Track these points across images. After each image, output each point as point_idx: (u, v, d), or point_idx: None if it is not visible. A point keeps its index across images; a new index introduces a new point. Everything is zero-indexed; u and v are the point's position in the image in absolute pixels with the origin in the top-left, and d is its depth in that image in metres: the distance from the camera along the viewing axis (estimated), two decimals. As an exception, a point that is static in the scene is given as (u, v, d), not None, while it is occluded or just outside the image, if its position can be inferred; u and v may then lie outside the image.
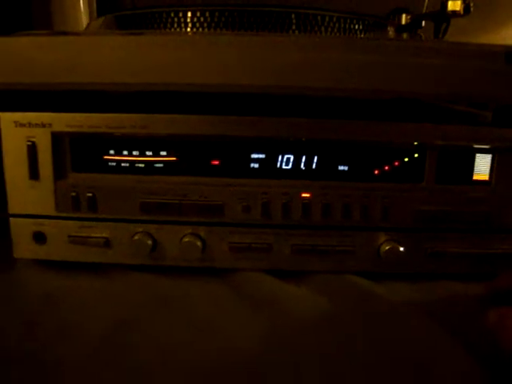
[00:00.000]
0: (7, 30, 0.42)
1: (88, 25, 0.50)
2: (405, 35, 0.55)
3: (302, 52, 0.37)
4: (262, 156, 0.40)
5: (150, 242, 0.41)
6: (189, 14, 0.44)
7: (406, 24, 0.58)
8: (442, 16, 0.47)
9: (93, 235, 0.41)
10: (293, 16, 0.43)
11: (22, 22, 0.82)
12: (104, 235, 0.41)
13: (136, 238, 0.41)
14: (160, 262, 0.42)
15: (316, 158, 0.40)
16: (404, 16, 0.58)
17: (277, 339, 0.34)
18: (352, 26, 0.47)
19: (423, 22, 0.58)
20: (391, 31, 0.51)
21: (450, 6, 0.45)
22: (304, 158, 0.40)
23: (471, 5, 0.46)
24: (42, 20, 0.81)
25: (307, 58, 0.37)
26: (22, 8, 0.84)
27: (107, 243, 0.41)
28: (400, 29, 0.57)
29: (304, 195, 0.40)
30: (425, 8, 0.63)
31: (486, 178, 0.42)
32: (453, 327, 0.35)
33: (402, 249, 0.41)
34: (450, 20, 0.54)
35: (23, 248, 0.42)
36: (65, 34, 0.39)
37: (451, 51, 0.39)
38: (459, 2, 0.45)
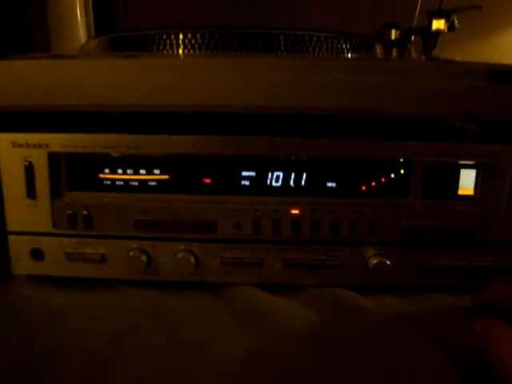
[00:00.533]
0: (5, 48, 0.43)
1: (83, 45, 0.51)
2: (394, 50, 0.56)
3: (291, 73, 0.39)
4: (252, 174, 0.42)
5: (144, 257, 0.42)
6: (180, 36, 0.45)
7: (396, 39, 0.59)
8: (429, 32, 0.48)
9: (89, 251, 0.43)
10: (281, 37, 0.45)
11: (20, 39, 0.83)
12: (100, 251, 0.43)
13: (131, 254, 0.42)
14: (154, 277, 0.43)
15: (305, 175, 0.42)
16: (393, 31, 0.59)
17: (265, 353, 0.35)
18: (340, 46, 0.48)
19: (412, 37, 0.60)
20: (379, 49, 0.53)
21: (435, 24, 0.46)
22: (293, 176, 0.42)
23: (456, 22, 0.48)
24: (39, 37, 0.82)
25: (296, 78, 0.38)
26: (20, 24, 0.86)
27: (103, 259, 0.43)
28: (390, 44, 0.58)
29: (293, 211, 0.41)
30: (414, 23, 0.65)
31: (471, 192, 0.43)
32: (439, 339, 0.36)
33: (389, 262, 0.42)
34: (438, 36, 0.55)
35: (21, 264, 0.43)
36: (61, 57, 0.40)
37: (435, 71, 0.40)
38: (443, 21, 0.46)
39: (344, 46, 0.49)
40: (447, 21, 0.48)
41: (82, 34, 0.95)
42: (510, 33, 0.92)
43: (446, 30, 0.48)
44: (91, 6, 0.96)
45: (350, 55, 0.50)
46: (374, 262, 0.42)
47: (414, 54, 0.60)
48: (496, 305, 0.38)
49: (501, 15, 0.96)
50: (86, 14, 0.99)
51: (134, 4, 0.87)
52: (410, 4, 0.72)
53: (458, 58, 0.78)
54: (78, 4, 0.96)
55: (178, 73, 0.39)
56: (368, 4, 0.82)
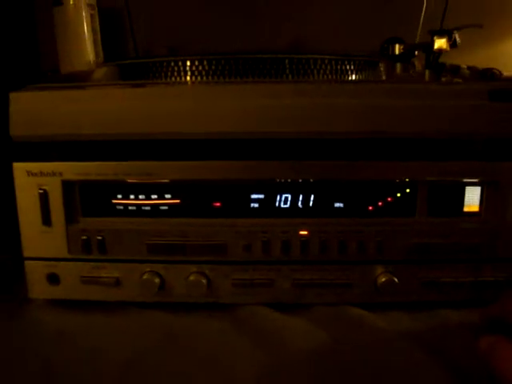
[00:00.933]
0: (15, 69, 0.44)
1: (92, 72, 0.52)
2: (398, 65, 0.57)
3: (297, 98, 0.40)
4: (261, 196, 0.43)
5: (157, 280, 0.43)
6: (188, 63, 0.46)
7: (400, 54, 0.60)
8: (432, 50, 0.49)
9: (104, 275, 0.44)
10: (286, 61, 0.46)
11: (29, 59, 0.85)
12: (114, 275, 0.44)
13: (144, 277, 0.43)
14: (168, 299, 0.44)
15: (312, 196, 0.43)
16: (397, 46, 0.60)
17: (276, 372, 0.36)
18: (343, 67, 0.49)
19: (416, 52, 0.60)
20: (382, 67, 0.54)
21: (437, 44, 0.47)
22: (301, 197, 0.43)
23: (458, 40, 0.48)
24: (48, 57, 0.84)
25: (301, 104, 0.40)
26: (29, 44, 0.87)
27: (117, 283, 0.44)
28: (394, 58, 0.59)
29: (302, 233, 0.42)
30: (417, 38, 0.65)
31: (477, 209, 0.44)
32: (444, 354, 0.37)
33: (396, 280, 0.43)
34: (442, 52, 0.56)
35: (38, 289, 0.44)
36: (72, 87, 0.42)
37: (437, 91, 0.41)
38: (445, 40, 0.47)
39: (348, 67, 0.50)
40: (449, 39, 0.48)
41: (90, 52, 0.97)
42: (510, 42, 0.92)
43: (448, 49, 0.49)
44: (98, 26, 0.97)
45: (354, 76, 0.51)
46: (383, 279, 0.43)
47: (417, 69, 0.61)
48: (504, 320, 0.38)
49: (503, 25, 0.96)
50: (94, 32, 1.00)
51: (140, 28, 0.89)
52: (414, 19, 0.73)
53: (464, 66, 0.78)
54: (85, 25, 0.97)
55: (186, 100, 0.40)
56: (373, 19, 0.83)
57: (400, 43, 0.56)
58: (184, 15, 0.89)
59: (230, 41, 0.79)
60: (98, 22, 0.93)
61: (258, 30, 0.91)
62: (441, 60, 0.77)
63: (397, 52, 0.56)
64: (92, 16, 0.95)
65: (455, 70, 0.74)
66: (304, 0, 0.91)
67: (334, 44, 0.87)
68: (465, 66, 0.77)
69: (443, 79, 0.56)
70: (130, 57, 0.74)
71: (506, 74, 0.82)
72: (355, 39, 0.83)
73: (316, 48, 0.88)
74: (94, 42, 0.94)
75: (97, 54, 0.91)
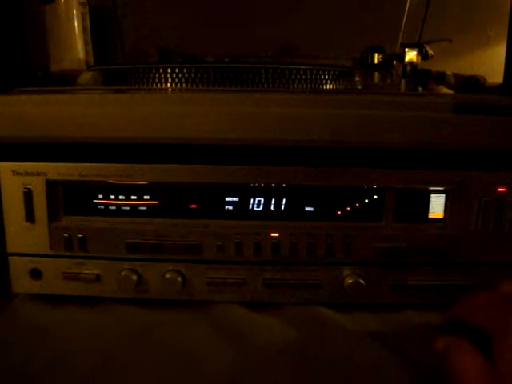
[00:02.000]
0: (4, 68, 0.46)
1: (79, 71, 0.54)
2: (376, 74, 0.59)
3: (271, 107, 0.42)
4: (235, 199, 0.45)
5: (135, 277, 0.45)
6: (168, 70, 0.48)
7: (378, 63, 0.62)
8: (403, 62, 0.51)
9: (84, 271, 0.46)
10: (262, 71, 0.48)
11: (18, 57, 0.86)
12: (94, 271, 0.46)
13: (123, 273, 0.45)
14: (145, 295, 0.46)
15: (284, 200, 0.45)
16: (376, 55, 0.62)
17: (246, 366, 0.38)
18: (319, 77, 0.51)
19: (394, 61, 0.63)
20: (357, 77, 0.56)
21: (408, 56, 0.49)
22: (274, 201, 0.45)
23: (430, 52, 0.50)
24: (38, 54, 0.86)
25: (275, 112, 0.42)
26: (18, 42, 0.89)
27: (98, 279, 0.46)
28: (372, 67, 0.61)
29: (273, 234, 0.44)
30: (397, 48, 0.68)
31: (441, 215, 0.46)
32: (405, 353, 0.39)
33: (363, 282, 0.45)
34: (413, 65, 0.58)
35: (21, 283, 0.46)
36: (57, 92, 0.44)
37: (403, 102, 0.43)
38: (415, 53, 0.49)
39: (323, 76, 0.52)
40: (420, 52, 0.51)
41: (80, 51, 0.98)
42: (495, 48, 0.95)
43: (418, 62, 0.51)
44: (89, 25, 0.99)
45: (329, 85, 0.53)
46: (350, 281, 0.45)
47: (396, 78, 0.63)
48: (463, 321, 0.40)
49: (490, 31, 0.99)
50: (85, 31, 1.02)
51: (130, 28, 0.91)
52: (395, 29, 0.75)
53: (449, 72, 0.81)
54: (76, 23, 0.99)
55: (165, 107, 0.42)
56: (355, 28, 0.85)
57: (379, 53, 0.58)
58: (173, 17, 0.91)
59: (219, 45, 0.81)
60: (88, 21, 0.95)
61: (247, 35, 0.93)
62: (427, 67, 0.79)
63: (375, 61, 0.58)
64: (83, 14, 0.97)
65: (441, 76, 0.77)
66: (293, 7, 0.93)
67: (321, 50, 0.90)
68: (450, 73, 0.79)
69: (419, 89, 0.58)
70: (115, 62, 0.75)
71: (490, 81, 0.85)
72: (342, 45, 0.85)
73: (304, 54, 0.90)
74: (85, 40, 0.96)
75: (87, 53, 0.92)
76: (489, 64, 1.00)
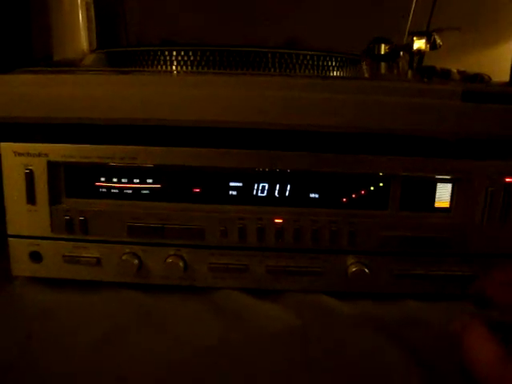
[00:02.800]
0: (7, 56, 0.46)
1: (82, 59, 0.54)
2: (383, 65, 0.59)
3: (277, 91, 0.41)
4: (239, 184, 0.44)
5: (136, 261, 0.45)
6: (174, 53, 0.48)
7: (385, 53, 0.61)
8: (412, 51, 0.51)
9: (85, 255, 0.45)
10: (269, 55, 0.47)
11: (21, 46, 0.86)
12: (95, 255, 0.45)
13: (124, 257, 0.45)
14: (146, 280, 0.45)
15: (289, 186, 0.44)
16: (383, 46, 0.62)
17: (247, 353, 0.38)
18: (325, 63, 0.51)
19: (401, 52, 0.62)
20: (364, 65, 0.55)
21: (416, 45, 0.48)
22: (278, 187, 0.44)
23: (438, 41, 0.50)
24: (41, 42, 0.85)
25: (281, 96, 0.41)
26: (22, 30, 0.89)
27: (98, 262, 0.45)
28: (379, 58, 0.61)
29: (277, 221, 0.44)
30: (405, 39, 0.67)
31: (447, 205, 0.45)
32: (406, 342, 0.39)
33: (367, 270, 0.44)
34: (425, 53, 0.58)
35: (21, 266, 0.46)
36: (60, 71, 0.43)
37: (412, 89, 0.43)
38: (424, 41, 0.48)
39: (330, 63, 0.51)
40: (428, 41, 0.50)
41: (83, 41, 0.98)
42: (503, 46, 0.94)
43: (427, 50, 0.50)
44: (94, 15, 0.98)
45: (336, 72, 0.53)
46: (353, 269, 0.44)
47: (402, 69, 0.62)
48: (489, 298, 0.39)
49: (496, 29, 0.98)
50: (89, 21, 1.01)
51: (134, 19, 0.90)
52: (403, 21, 0.75)
53: (454, 70, 0.80)
54: (80, 13, 0.99)
55: (170, 89, 0.42)
56: (365, 19, 0.85)
57: (386, 43, 0.58)
58: (177, 11, 0.90)
59: (223, 39, 0.81)
60: (93, 11, 0.94)
61: (252, 28, 0.92)
62: (432, 64, 0.79)
63: (382, 52, 0.58)
64: (87, 4, 0.96)
65: (446, 73, 0.76)
66: (299, 1, 0.92)
67: (327, 43, 0.89)
68: (455, 71, 0.79)
69: (425, 80, 0.58)
70: (120, 45, 0.75)
71: (495, 80, 0.84)
72: (348, 38, 0.85)
73: (310, 47, 0.89)
74: (89, 30, 0.95)
75: (91, 43, 0.92)
76: (496, 63, 1.00)
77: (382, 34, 0.69)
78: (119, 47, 0.55)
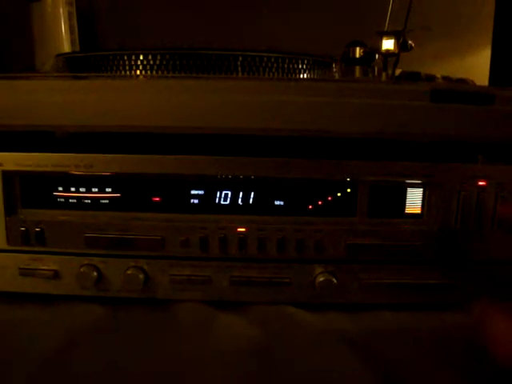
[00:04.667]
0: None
1: (42, 65, 0.52)
2: (357, 68, 0.57)
3: (240, 94, 0.40)
4: (200, 192, 0.42)
5: (95, 274, 0.43)
6: (133, 57, 0.46)
7: (360, 57, 0.60)
8: (381, 52, 0.49)
9: (42, 267, 0.43)
10: (231, 58, 0.46)
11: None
12: (52, 267, 0.43)
13: (82, 270, 0.43)
14: (105, 293, 0.44)
15: (253, 193, 0.42)
16: (357, 49, 0.60)
17: (202, 366, 0.36)
18: (292, 66, 0.49)
19: (377, 56, 0.61)
20: (336, 68, 0.54)
21: (384, 45, 0.47)
22: (241, 194, 0.42)
23: (409, 42, 0.48)
24: (22, 50, 0.84)
25: (245, 100, 0.39)
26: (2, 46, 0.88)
27: (56, 275, 0.44)
28: (353, 62, 0.59)
29: (240, 229, 0.42)
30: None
31: (419, 211, 0.43)
32: (375, 355, 0.37)
33: (335, 280, 0.42)
34: (400, 54, 0.56)
35: (-24, 280, 0.44)
36: (15, 77, 0.42)
37: (379, 90, 0.41)
38: (393, 42, 0.47)
39: (297, 66, 0.50)
40: (398, 41, 0.48)
41: (66, 50, 0.97)
42: (481, 53, 0.93)
43: (396, 51, 0.49)
44: (76, 24, 0.98)
45: (304, 75, 0.51)
46: (321, 279, 0.42)
47: (378, 73, 0.61)
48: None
49: (475, 36, 0.97)
50: (71, 31, 1.00)
51: (106, 25, 0.89)
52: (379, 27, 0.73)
53: (438, 75, 0.79)
54: (62, 23, 0.98)
55: (127, 94, 0.40)
56: (337, 23, 0.84)
57: (360, 47, 0.56)
58: (154, 18, 0.89)
59: (193, 37, 0.80)
60: (75, 20, 0.93)
61: (233, 35, 0.91)
62: (417, 69, 0.77)
63: (357, 55, 0.56)
64: (70, 13, 0.96)
65: (430, 79, 0.75)
66: (279, 4, 0.91)
67: (307, 48, 0.88)
68: (439, 76, 0.77)
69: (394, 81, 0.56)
70: (78, 51, 0.74)
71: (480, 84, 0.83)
72: (328, 42, 0.84)
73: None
74: (71, 40, 0.94)
75: (73, 45, 0.91)
76: (479, 68, 0.99)
77: (362, 39, 0.68)
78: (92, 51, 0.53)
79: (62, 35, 0.99)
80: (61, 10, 1.02)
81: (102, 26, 0.98)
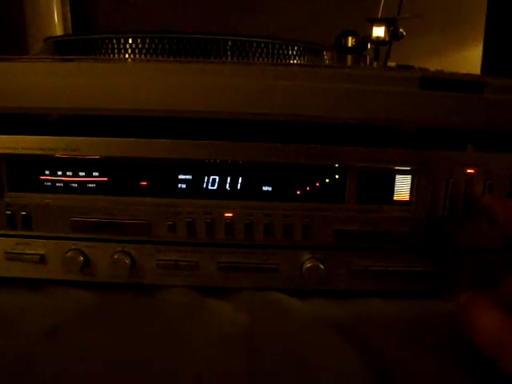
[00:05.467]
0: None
1: (32, 48, 0.52)
2: (349, 57, 0.57)
3: (226, 78, 0.39)
4: (188, 177, 0.42)
5: (81, 258, 0.43)
6: (121, 41, 0.46)
7: (352, 46, 0.59)
8: (371, 40, 0.49)
9: (28, 252, 0.43)
10: (221, 42, 0.45)
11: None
12: (39, 252, 0.43)
13: (68, 254, 0.43)
14: (92, 278, 0.43)
15: (240, 178, 0.42)
16: (350, 39, 0.60)
17: (192, 354, 0.35)
18: (282, 52, 0.49)
19: (369, 45, 0.60)
20: (327, 56, 0.53)
21: (374, 32, 0.46)
22: (229, 179, 0.42)
23: (400, 31, 0.48)
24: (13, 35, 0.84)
25: (230, 84, 0.39)
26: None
27: (42, 259, 0.43)
28: (345, 50, 0.59)
29: (227, 214, 0.42)
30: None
31: (407, 198, 0.43)
32: (363, 341, 0.37)
33: (322, 266, 0.42)
34: (391, 44, 0.56)
35: (-39, 264, 0.44)
36: (2, 60, 0.41)
37: (369, 77, 0.41)
38: (383, 29, 0.46)
39: (287, 52, 0.49)
40: (388, 29, 0.48)
41: (58, 30, 0.96)
42: (474, 48, 0.93)
43: (386, 39, 0.48)
44: (68, 8, 0.97)
45: (294, 61, 0.51)
46: (308, 265, 0.42)
47: (370, 62, 0.61)
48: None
49: (469, 30, 0.98)
50: (64, 16, 1.00)
51: (97, 11, 0.89)
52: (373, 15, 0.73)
53: (432, 69, 0.79)
54: (54, 5, 0.97)
55: (115, 77, 0.40)
56: (330, 11, 0.84)
57: (353, 36, 0.56)
58: (154, 6, 0.89)
59: (188, 22, 0.79)
60: (68, 5, 0.92)
61: (228, 21, 0.91)
62: (410, 63, 0.77)
63: (349, 44, 0.56)
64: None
65: (424, 72, 0.74)
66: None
67: (304, 36, 0.87)
68: (433, 70, 0.77)
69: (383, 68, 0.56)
70: (68, 34, 0.73)
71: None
72: (325, 31, 0.83)
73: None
74: (64, 19, 0.93)
75: (65, 30, 0.90)
76: (472, 62, 0.99)
77: (356, 28, 0.68)
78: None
79: (55, 20, 0.99)
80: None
81: (94, 11, 0.97)
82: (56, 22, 0.94)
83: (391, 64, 0.74)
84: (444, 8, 0.97)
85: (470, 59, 1.00)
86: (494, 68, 0.94)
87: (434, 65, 0.85)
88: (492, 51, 0.94)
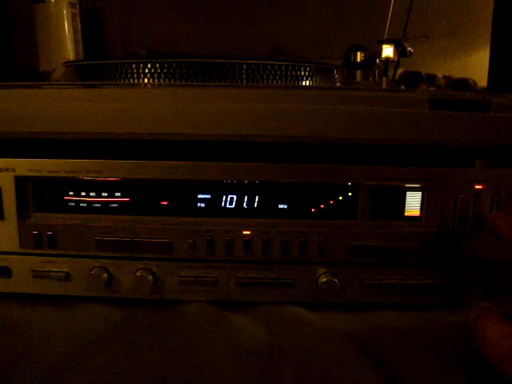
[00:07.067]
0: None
1: (52, 73, 0.54)
2: (358, 73, 0.59)
3: (241, 103, 0.41)
4: (207, 196, 0.44)
5: (105, 275, 0.44)
6: (141, 66, 0.48)
7: (361, 61, 0.61)
8: (381, 59, 0.50)
9: (54, 270, 0.45)
10: (236, 66, 0.47)
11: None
12: (64, 269, 0.45)
13: (93, 272, 0.45)
14: (115, 294, 0.45)
15: (257, 197, 0.44)
16: (359, 54, 0.62)
17: (211, 366, 0.37)
18: (295, 73, 0.51)
19: (377, 60, 0.62)
20: (337, 74, 0.55)
21: (384, 53, 0.48)
22: (246, 198, 0.44)
23: (408, 49, 0.50)
24: (22, 56, 0.85)
25: (249, 107, 0.41)
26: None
27: (67, 277, 0.45)
28: (355, 66, 0.60)
29: (245, 232, 0.43)
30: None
31: (418, 213, 0.45)
32: (377, 354, 0.38)
33: (337, 281, 0.44)
34: (400, 59, 0.57)
35: (-11, 282, 0.46)
36: (26, 86, 0.43)
37: (379, 98, 0.43)
38: (392, 49, 0.48)
39: (299, 73, 0.51)
40: (397, 49, 0.50)
41: (70, 52, 0.98)
42: (481, 52, 0.94)
43: (395, 58, 0.50)
44: (80, 25, 0.99)
45: (306, 82, 0.53)
46: (323, 280, 0.44)
47: (379, 76, 0.62)
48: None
49: (476, 35, 0.99)
50: (75, 32, 1.01)
51: (110, 27, 0.90)
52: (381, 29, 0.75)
53: (440, 75, 0.80)
54: (66, 24, 0.99)
55: (135, 102, 0.42)
56: (343, 30, 0.85)
57: (362, 51, 0.58)
58: (162, 19, 0.91)
59: (209, 46, 0.81)
60: (79, 22, 0.94)
61: (237, 37, 0.93)
62: (418, 69, 0.79)
63: (358, 59, 0.58)
64: (73, 15, 0.96)
65: (431, 78, 0.76)
66: (282, 10, 0.92)
67: (311, 51, 0.89)
68: (441, 76, 0.79)
69: (402, 87, 0.58)
70: (88, 59, 0.75)
71: (481, 84, 0.84)
72: (332, 46, 0.85)
73: (293, 55, 0.90)
74: (75, 41, 0.95)
75: (77, 53, 0.92)
76: (479, 67, 1.00)
77: (362, 42, 0.70)
78: (101, 59, 0.55)
79: (66, 36, 1.00)
80: (64, 12, 1.02)
81: (107, 28, 0.99)
82: (67, 38, 0.96)
83: (399, 71, 0.76)
84: (451, 12, 0.98)
85: (477, 63, 1.01)
86: (501, 72, 0.95)
87: (441, 69, 0.86)
88: (499, 55, 0.95)
